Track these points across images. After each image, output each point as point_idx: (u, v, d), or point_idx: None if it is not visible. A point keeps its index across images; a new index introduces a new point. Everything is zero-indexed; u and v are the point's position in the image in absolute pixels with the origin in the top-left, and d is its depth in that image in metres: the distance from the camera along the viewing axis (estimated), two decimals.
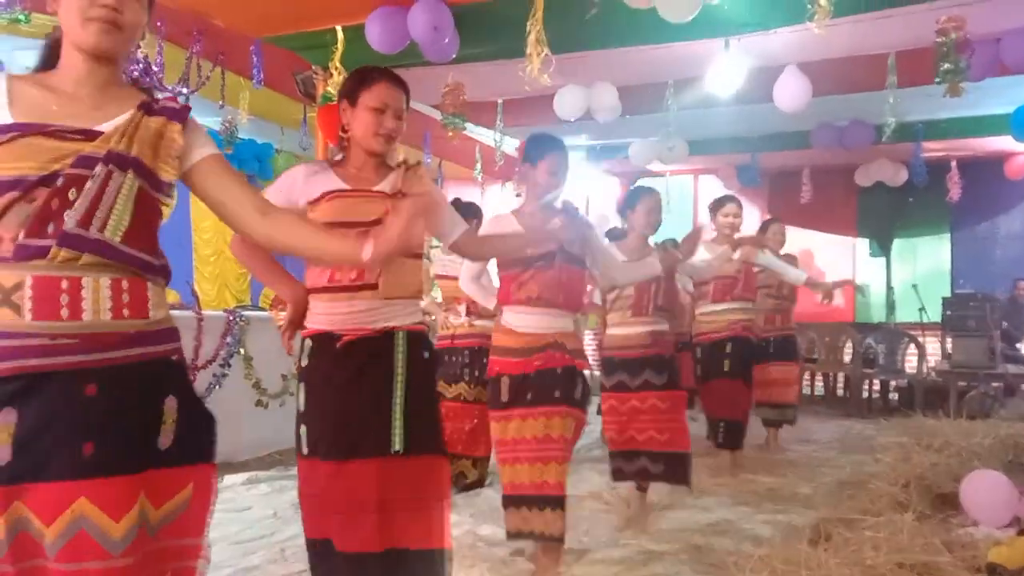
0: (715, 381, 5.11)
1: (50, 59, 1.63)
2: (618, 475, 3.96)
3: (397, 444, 2.17)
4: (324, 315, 2.27)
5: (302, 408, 2.28)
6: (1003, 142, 8.14)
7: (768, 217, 6.07)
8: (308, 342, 2.30)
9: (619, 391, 3.89)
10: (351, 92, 2.33)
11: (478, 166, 8.36)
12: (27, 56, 5.92)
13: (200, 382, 5.10)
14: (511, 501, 2.96)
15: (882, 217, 10.26)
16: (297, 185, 2.29)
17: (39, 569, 1.43)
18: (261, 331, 5.57)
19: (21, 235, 1.43)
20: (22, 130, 1.46)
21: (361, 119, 2.29)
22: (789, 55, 5.80)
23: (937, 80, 5.26)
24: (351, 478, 2.16)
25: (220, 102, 6.16)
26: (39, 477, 1.41)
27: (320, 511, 2.22)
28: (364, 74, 2.33)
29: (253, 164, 9.31)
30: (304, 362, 2.30)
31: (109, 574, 1.43)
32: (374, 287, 2.22)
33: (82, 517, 1.41)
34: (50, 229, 1.45)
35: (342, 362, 2.22)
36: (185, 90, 5.67)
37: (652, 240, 4.08)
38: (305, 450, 2.26)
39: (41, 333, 1.44)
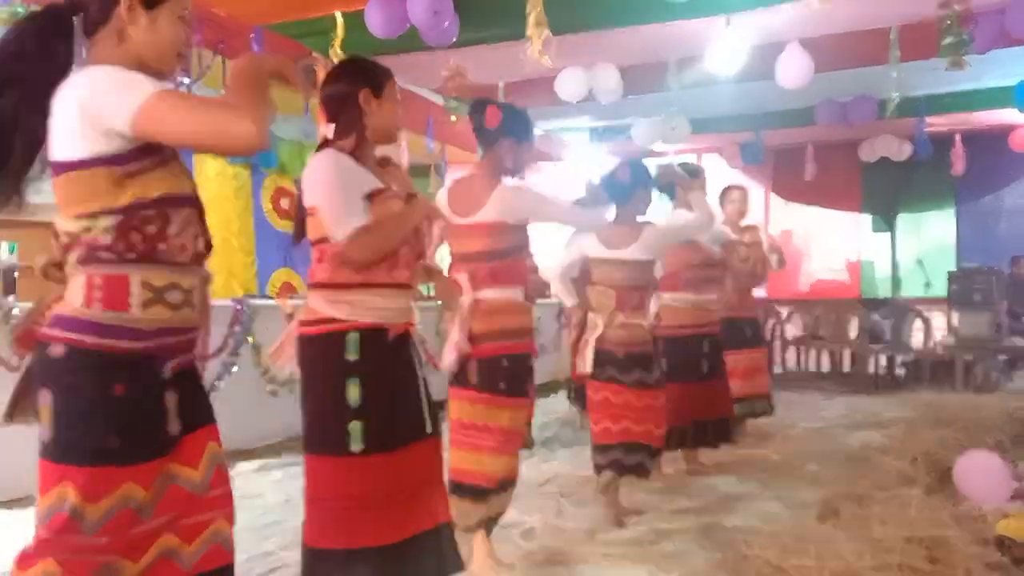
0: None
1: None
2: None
3: (429, 427, 2.33)
4: (377, 310, 2.26)
5: (355, 403, 2.20)
6: (1008, 114, 8.10)
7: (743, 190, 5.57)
8: (354, 335, 2.22)
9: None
10: (377, 82, 2.32)
11: (480, 149, 8.33)
12: None
13: (209, 372, 5.12)
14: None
15: (886, 192, 10.23)
16: (358, 174, 2.25)
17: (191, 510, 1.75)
18: (269, 320, 5.59)
19: (200, 244, 1.76)
20: (166, 153, 1.70)
21: (388, 111, 2.32)
22: (791, 31, 5.76)
23: (940, 54, 5.23)
24: (413, 462, 2.27)
25: (222, 91, 6.15)
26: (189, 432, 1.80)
27: (374, 506, 2.21)
28: (382, 66, 2.36)
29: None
30: (352, 356, 2.22)
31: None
32: (411, 286, 2.35)
33: (215, 455, 1.88)
34: (201, 240, 1.76)
35: (394, 354, 2.29)
36: (187, 80, 5.65)
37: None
38: (358, 447, 2.20)
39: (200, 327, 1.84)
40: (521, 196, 3.06)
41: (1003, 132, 8.91)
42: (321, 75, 5.61)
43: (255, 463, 4.83)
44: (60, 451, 1.68)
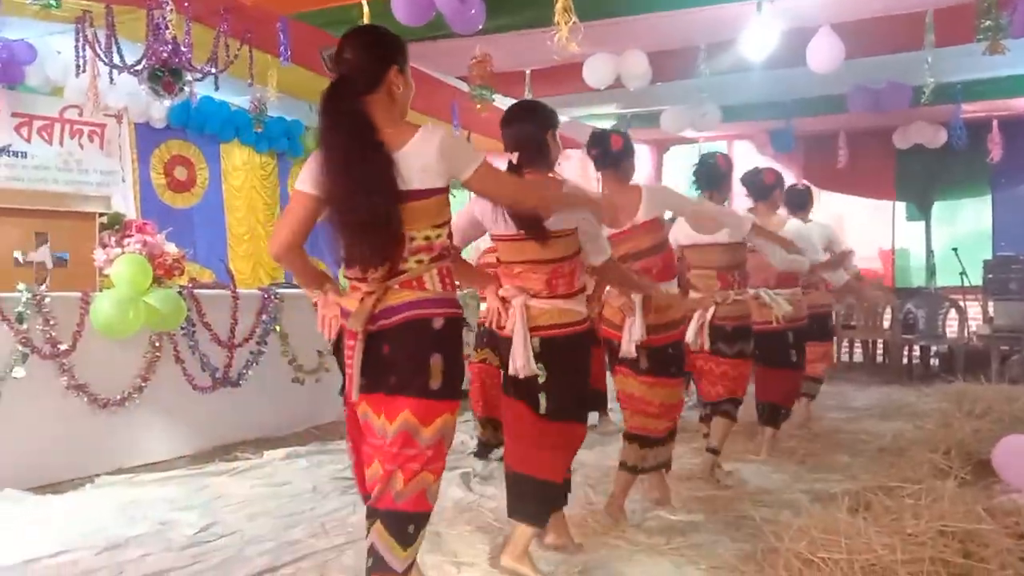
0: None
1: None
2: None
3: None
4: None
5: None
6: None
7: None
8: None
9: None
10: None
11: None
12: (58, 41, 6.01)
13: (237, 360, 5.16)
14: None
15: (921, 180, 10.03)
16: None
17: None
18: (296, 308, 5.62)
19: None
20: None
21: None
22: (823, 16, 5.66)
23: (978, 38, 5.10)
24: None
25: (249, 80, 6.17)
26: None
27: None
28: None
29: (283, 141, 9.35)
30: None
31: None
32: None
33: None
34: None
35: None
36: (214, 69, 5.68)
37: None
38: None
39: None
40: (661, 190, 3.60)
41: None
42: None
43: (282, 451, 4.86)
44: (447, 392, 2.24)
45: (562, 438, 2.91)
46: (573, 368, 2.92)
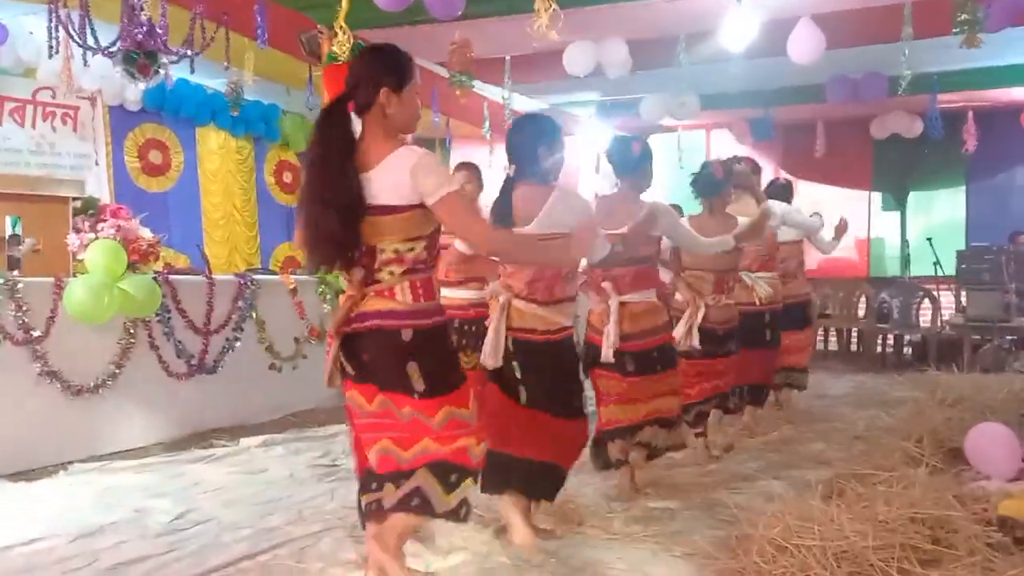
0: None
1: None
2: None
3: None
4: None
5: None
6: (1021, 92, 8.00)
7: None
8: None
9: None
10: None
11: (486, 124, 8.28)
12: (31, 21, 5.90)
13: (213, 346, 5.12)
14: None
15: (897, 170, 10.14)
16: None
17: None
18: (273, 294, 5.59)
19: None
20: None
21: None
22: (803, 7, 5.69)
23: (954, 31, 5.15)
24: None
25: (225, 63, 6.09)
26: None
27: None
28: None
29: (260, 126, 9.26)
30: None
31: None
32: None
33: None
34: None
35: None
36: (190, 52, 5.61)
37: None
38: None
39: None
40: (662, 212, 3.55)
41: (1016, 110, 8.81)
42: (326, 48, 5.65)
43: (259, 438, 4.84)
44: (438, 390, 2.39)
45: (548, 428, 3.01)
46: (550, 370, 3.04)
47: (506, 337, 3.01)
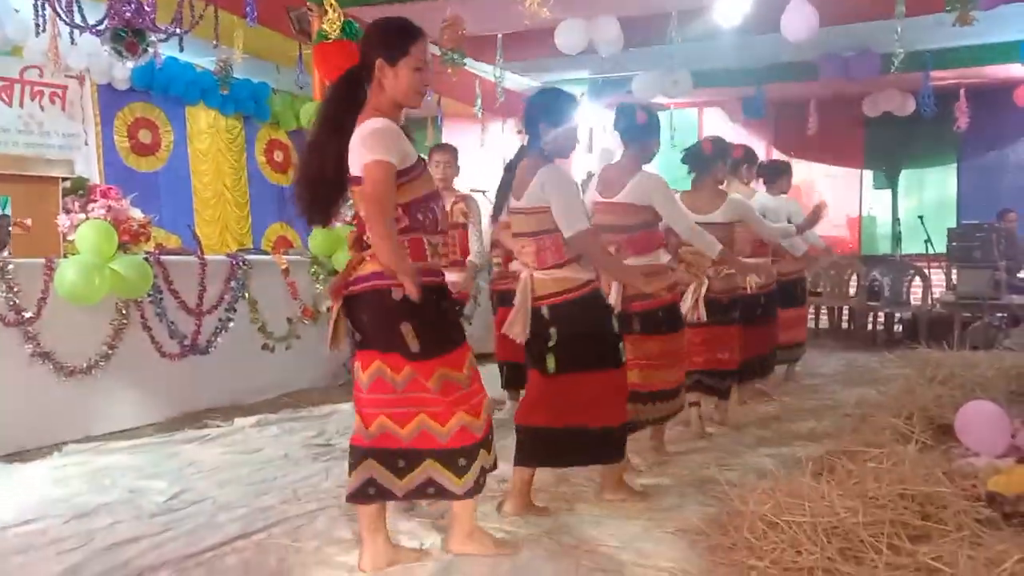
0: None
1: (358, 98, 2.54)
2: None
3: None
4: None
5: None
6: (1012, 70, 8.00)
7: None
8: None
9: None
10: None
11: (478, 102, 8.24)
12: None
13: (206, 327, 5.12)
14: None
15: (889, 148, 10.14)
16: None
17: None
18: (265, 274, 5.57)
19: (442, 217, 2.63)
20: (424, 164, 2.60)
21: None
22: None
23: (947, 8, 5.13)
24: None
25: (214, 42, 6.04)
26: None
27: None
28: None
29: (249, 104, 9.19)
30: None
31: None
32: None
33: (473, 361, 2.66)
34: (442, 215, 2.63)
35: None
36: (178, 30, 5.55)
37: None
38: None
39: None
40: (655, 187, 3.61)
41: (1008, 88, 8.81)
42: (315, 25, 5.61)
43: (252, 418, 4.84)
44: (433, 351, 2.48)
45: (576, 389, 3.07)
46: (584, 327, 3.09)
47: (535, 309, 3.07)
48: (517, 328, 3.07)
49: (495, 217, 3.58)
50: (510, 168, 3.18)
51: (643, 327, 3.66)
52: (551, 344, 3.07)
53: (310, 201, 2.53)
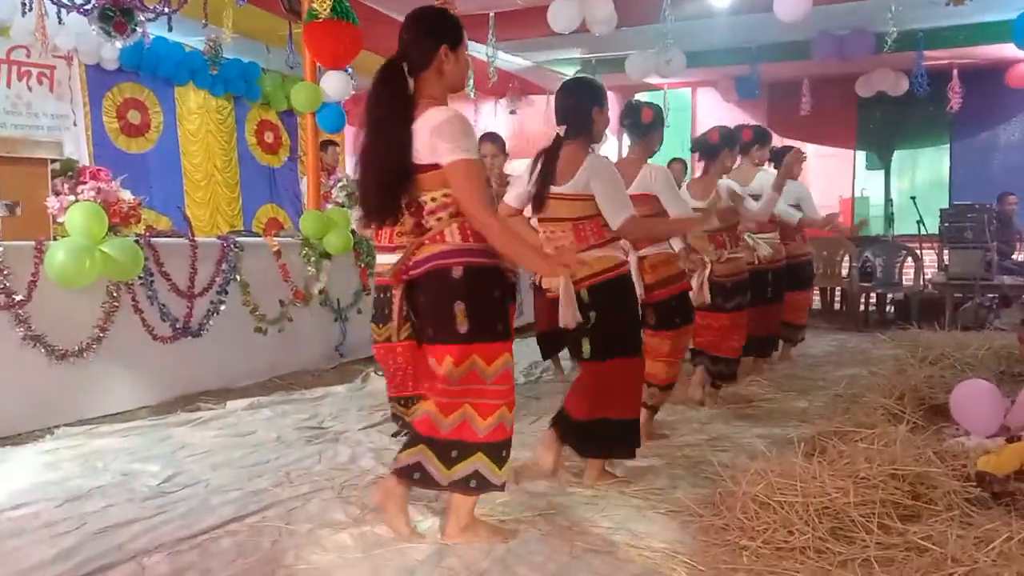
0: None
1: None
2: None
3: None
4: None
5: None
6: (1005, 50, 7.98)
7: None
8: None
9: None
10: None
11: (470, 82, 8.19)
12: None
13: (197, 310, 5.10)
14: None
15: (882, 128, 10.14)
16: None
17: None
18: (256, 257, 5.55)
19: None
20: None
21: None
22: None
23: None
24: None
25: (203, 21, 5.98)
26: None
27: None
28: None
29: (239, 84, 9.13)
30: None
31: None
32: None
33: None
34: None
35: None
36: (167, 9, 5.49)
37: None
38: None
39: None
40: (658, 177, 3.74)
41: (1000, 68, 8.80)
42: (306, 4, 5.56)
43: (245, 401, 4.84)
44: (477, 335, 2.52)
45: (617, 375, 3.19)
46: (618, 308, 3.21)
47: (576, 294, 3.13)
48: (568, 317, 3.12)
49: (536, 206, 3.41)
50: (551, 156, 3.20)
51: (658, 319, 3.84)
52: (588, 326, 3.16)
53: (379, 200, 2.56)
